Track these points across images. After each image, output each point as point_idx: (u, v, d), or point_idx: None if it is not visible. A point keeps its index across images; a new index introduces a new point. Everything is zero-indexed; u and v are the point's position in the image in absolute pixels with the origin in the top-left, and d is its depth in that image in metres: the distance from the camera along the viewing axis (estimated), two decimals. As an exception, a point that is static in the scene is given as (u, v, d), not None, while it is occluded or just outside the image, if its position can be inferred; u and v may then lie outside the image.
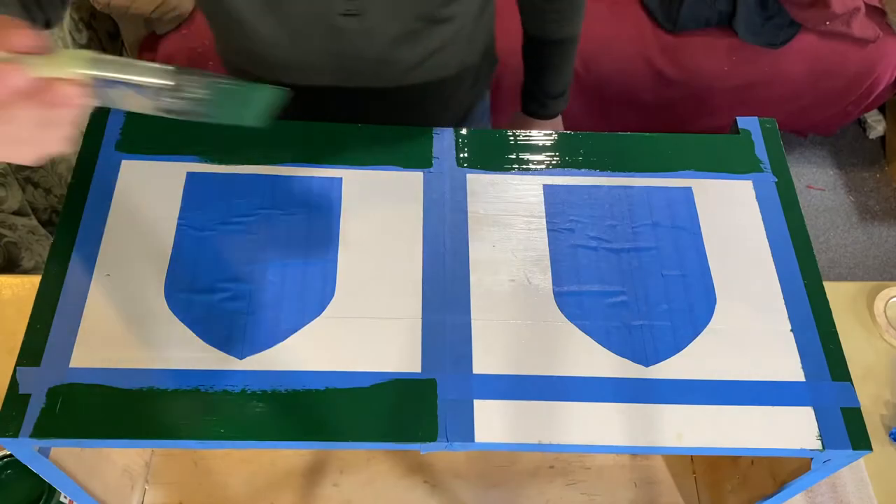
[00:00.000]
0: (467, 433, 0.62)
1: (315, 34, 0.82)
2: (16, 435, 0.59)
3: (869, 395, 0.99)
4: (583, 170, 0.78)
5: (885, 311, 1.06)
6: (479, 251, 0.71)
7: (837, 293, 1.07)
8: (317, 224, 0.72)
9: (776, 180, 0.79)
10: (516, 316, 0.68)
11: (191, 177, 0.74)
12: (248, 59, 0.90)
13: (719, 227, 0.75)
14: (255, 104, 0.54)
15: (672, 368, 0.66)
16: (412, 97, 0.93)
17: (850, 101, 2.10)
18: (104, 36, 1.94)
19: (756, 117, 0.85)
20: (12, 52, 0.46)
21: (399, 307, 0.68)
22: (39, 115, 0.46)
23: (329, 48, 0.83)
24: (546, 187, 0.76)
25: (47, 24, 0.66)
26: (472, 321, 0.67)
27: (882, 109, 2.34)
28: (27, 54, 0.46)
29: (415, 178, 0.75)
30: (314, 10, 0.79)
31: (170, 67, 0.51)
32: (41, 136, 0.46)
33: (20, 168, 1.50)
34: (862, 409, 0.66)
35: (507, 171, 0.77)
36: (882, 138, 2.36)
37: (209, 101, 0.52)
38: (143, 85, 0.50)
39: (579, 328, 0.68)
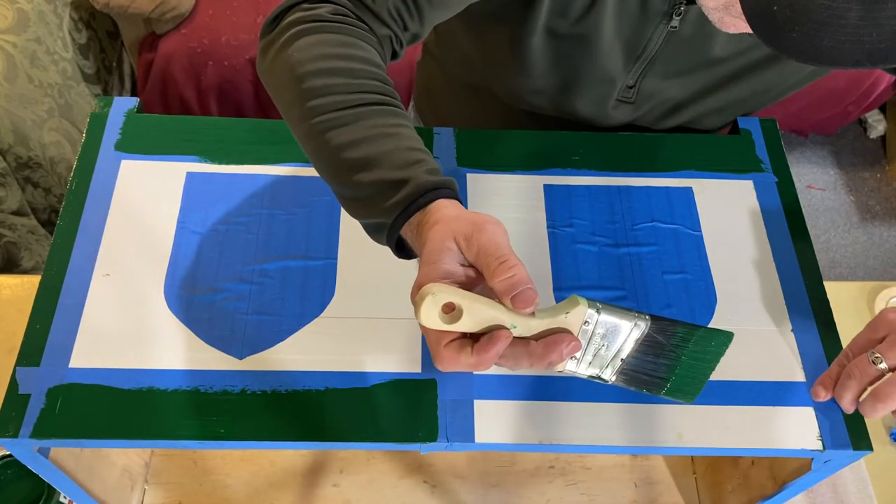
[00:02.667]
0: (467, 433, 0.62)
1: (587, 110, 0.84)
2: (15, 435, 0.59)
3: (869, 396, 0.99)
4: (583, 170, 0.78)
5: (885, 311, 1.05)
6: (480, 251, 0.71)
7: (838, 293, 1.07)
8: (317, 224, 0.72)
9: (777, 180, 0.79)
10: (516, 316, 0.68)
11: (190, 177, 0.74)
12: (498, 88, 0.87)
13: (719, 227, 0.75)
14: (719, 350, 0.53)
15: (672, 368, 0.66)
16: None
17: (850, 101, 2.10)
18: (104, 35, 1.94)
19: (756, 117, 0.85)
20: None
21: (399, 307, 0.68)
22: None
23: (591, 113, 0.85)
24: (546, 187, 0.76)
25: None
26: (473, 321, 0.67)
27: (882, 109, 2.34)
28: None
29: (415, 177, 0.75)
30: (597, 95, 0.81)
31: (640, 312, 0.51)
32: None
33: (20, 167, 1.50)
34: (862, 409, 0.65)
35: (507, 170, 0.77)
36: (883, 138, 2.36)
37: (683, 344, 0.52)
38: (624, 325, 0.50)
39: (579, 328, 0.67)
